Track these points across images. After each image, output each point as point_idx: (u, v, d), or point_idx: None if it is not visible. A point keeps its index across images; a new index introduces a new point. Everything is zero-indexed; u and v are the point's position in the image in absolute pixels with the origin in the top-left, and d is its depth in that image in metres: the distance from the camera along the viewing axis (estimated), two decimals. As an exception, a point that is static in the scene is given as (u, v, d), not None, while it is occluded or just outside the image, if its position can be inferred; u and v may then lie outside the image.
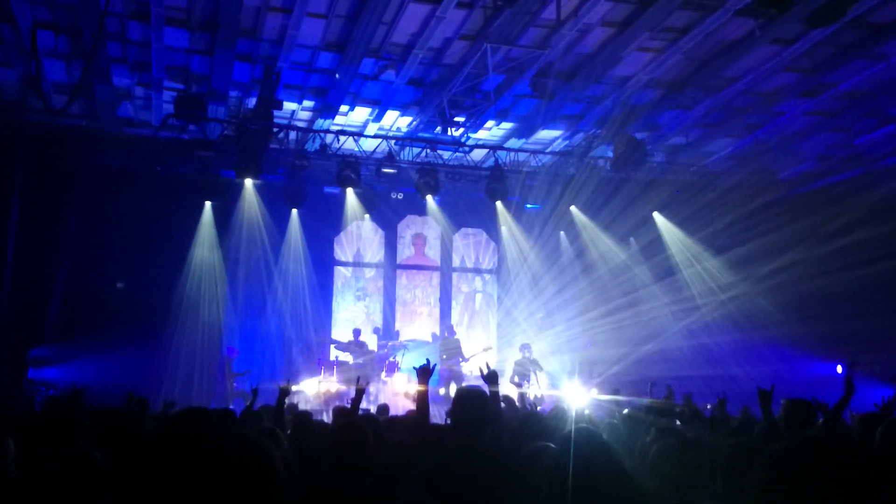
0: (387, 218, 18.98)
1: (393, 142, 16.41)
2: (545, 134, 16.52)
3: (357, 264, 19.23)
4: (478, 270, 20.20)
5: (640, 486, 3.89)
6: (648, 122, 15.50)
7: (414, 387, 14.85)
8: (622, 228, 17.99)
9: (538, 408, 13.88)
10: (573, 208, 18.07)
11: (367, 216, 18.24)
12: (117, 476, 4.06)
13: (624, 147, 15.32)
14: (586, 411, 9.91)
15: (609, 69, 13.29)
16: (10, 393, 13.74)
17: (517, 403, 8.44)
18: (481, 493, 4.03)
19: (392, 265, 19.44)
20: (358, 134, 16.01)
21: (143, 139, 15.59)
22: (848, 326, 15.09)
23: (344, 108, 14.98)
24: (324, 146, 16.02)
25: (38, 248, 15.02)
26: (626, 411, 7.67)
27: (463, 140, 16.15)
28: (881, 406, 6.12)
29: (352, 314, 18.93)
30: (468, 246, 20.09)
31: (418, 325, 19.32)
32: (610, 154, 16.17)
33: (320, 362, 16.45)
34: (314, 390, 15.53)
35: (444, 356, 16.53)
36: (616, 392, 9.44)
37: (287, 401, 10.94)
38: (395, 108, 15.08)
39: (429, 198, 17.34)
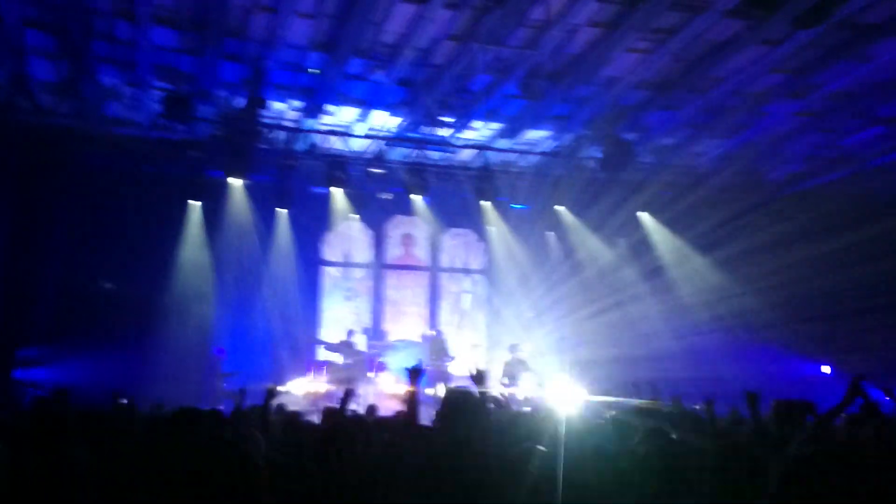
0: (375, 218, 18.96)
1: (381, 142, 16.38)
2: (533, 134, 16.53)
3: (345, 264, 19.20)
4: (466, 271, 20.19)
5: (628, 487, 3.89)
6: (636, 123, 15.52)
7: (403, 387, 14.87)
8: (610, 229, 18.03)
9: (527, 408, 13.92)
10: (561, 208, 18.08)
11: (355, 216, 18.20)
12: (103, 476, 4.04)
13: (612, 148, 15.35)
14: (575, 412, 9.93)
15: (597, 70, 13.29)
16: (-4, 394, 13.68)
17: (505, 404, 8.43)
18: (469, 493, 4.03)
19: (380, 265, 19.41)
20: (346, 134, 15.98)
21: (131, 139, 15.50)
22: (836, 327, 15.18)
23: (332, 107, 14.95)
24: (312, 146, 15.99)
25: (26, 248, 14.94)
26: (614, 412, 7.68)
27: (451, 140, 16.15)
28: (863, 406, 6.13)
29: (340, 314, 18.89)
30: (456, 246, 20.08)
31: (407, 326, 19.29)
32: (598, 155, 16.18)
33: (308, 362, 16.41)
34: (302, 391, 15.49)
35: (432, 356, 16.52)
36: (606, 393, 9.43)
37: (275, 402, 10.90)
38: (383, 107, 15.05)
39: (417, 198, 17.32)
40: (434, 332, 17.98)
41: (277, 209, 17.25)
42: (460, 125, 15.14)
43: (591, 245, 18.21)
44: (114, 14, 11.75)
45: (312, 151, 15.97)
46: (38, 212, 15.15)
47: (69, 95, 13.58)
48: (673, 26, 11.93)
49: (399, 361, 15.63)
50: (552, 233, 19.12)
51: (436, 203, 18.62)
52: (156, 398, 9.03)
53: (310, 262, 18.25)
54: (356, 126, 15.93)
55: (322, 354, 16.95)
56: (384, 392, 15.74)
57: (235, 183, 16.36)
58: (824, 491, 2.74)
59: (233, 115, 14.90)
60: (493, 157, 17.07)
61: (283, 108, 15.10)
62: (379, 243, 19.40)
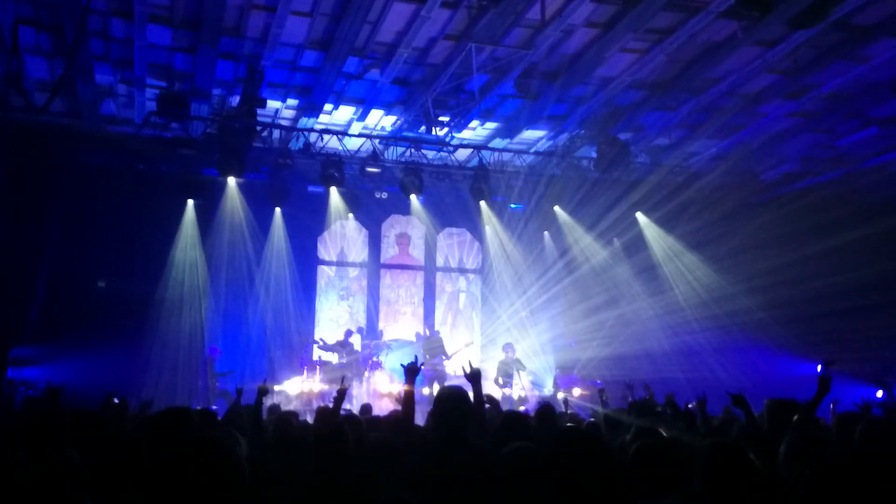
0: (371, 217, 18.95)
1: (377, 141, 16.37)
2: (529, 134, 16.54)
3: (341, 264, 19.19)
4: (462, 270, 20.19)
5: (620, 485, 3.90)
6: (632, 123, 15.56)
7: (397, 386, 14.88)
8: (606, 228, 18.03)
9: (522, 407, 13.94)
10: (557, 208, 18.08)
11: (350, 215, 18.19)
12: (94, 476, 4.04)
13: (608, 147, 15.37)
14: (569, 411, 9.94)
15: (593, 70, 13.31)
16: (-11, 393, 13.64)
17: (500, 404, 8.45)
18: (463, 492, 4.03)
19: (376, 264, 19.39)
20: (342, 133, 15.97)
21: (126, 137, 15.47)
22: (831, 326, 15.19)
23: (328, 106, 14.95)
24: (308, 145, 15.97)
25: (20, 246, 14.90)
26: (606, 411, 7.69)
27: (447, 140, 16.14)
28: (860, 405, 6.16)
29: (335, 313, 18.89)
30: (452, 245, 20.08)
31: (402, 325, 19.29)
32: (594, 154, 16.22)
33: (303, 362, 16.40)
34: (297, 390, 15.48)
35: (428, 356, 16.50)
36: (600, 392, 9.43)
37: (269, 401, 10.90)
38: (379, 107, 15.06)
39: (413, 197, 17.30)
40: (429, 332, 17.97)
41: (273, 208, 17.23)
42: (456, 124, 15.12)
43: (586, 244, 18.21)
44: (109, 12, 11.74)
45: (308, 150, 15.94)
46: (32, 210, 15.11)
47: (64, 94, 13.53)
48: (668, 27, 11.96)
49: (394, 361, 15.62)
50: (547, 232, 19.13)
51: (431, 202, 18.62)
52: (149, 397, 9.02)
53: (305, 261, 18.22)
54: (352, 125, 15.93)
55: (316, 354, 16.93)
56: (379, 391, 15.73)
57: (230, 182, 16.34)
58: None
59: (228, 114, 14.89)
60: (488, 156, 17.07)
61: (279, 107, 15.10)
62: (374, 242, 19.38)
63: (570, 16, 11.47)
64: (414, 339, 18.54)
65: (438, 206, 18.76)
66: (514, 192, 17.97)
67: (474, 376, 5.38)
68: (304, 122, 15.65)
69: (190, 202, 16.56)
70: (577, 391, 15.53)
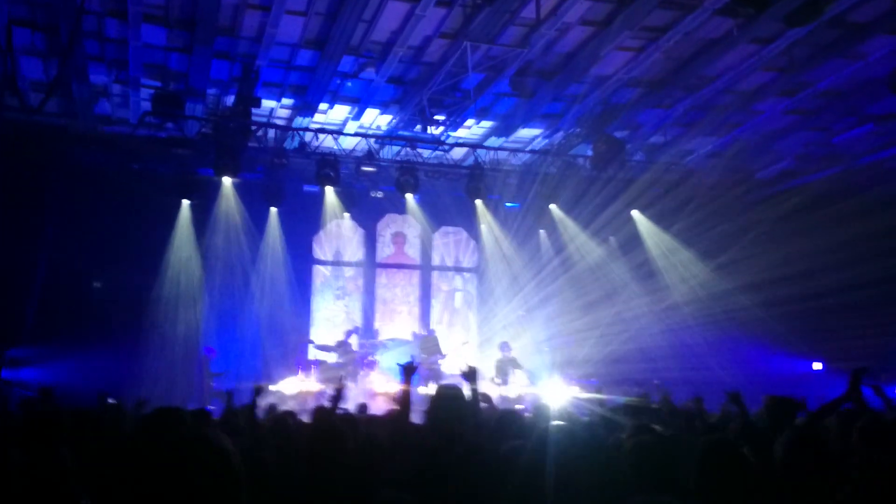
0: (366, 216, 18.94)
1: (372, 140, 16.36)
2: (525, 132, 16.55)
3: (336, 263, 19.17)
4: (458, 269, 20.19)
5: (616, 483, 3.89)
6: (628, 121, 15.56)
7: (393, 386, 14.87)
8: (602, 227, 18.02)
9: (518, 406, 13.93)
10: (553, 207, 18.06)
11: (346, 215, 18.16)
12: (87, 476, 4.02)
13: (603, 146, 15.37)
14: (566, 409, 9.93)
15: (588, 68, 13.32)
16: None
17: (495, 402, 8.44)
18: (459, 490, 4.02)
19: (372, 264, 19.38)
20: (337, 132, 15.95)
21: (121, 137, 15.45)
22: (828, 324, 15.21)
23: (323, 105, 14.95)
24: (303, 144, 15.95)
25: (14, 247, 14.84)
26: (603, 409, 7.69)
27: (443, 138, 16.15)
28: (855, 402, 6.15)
29: (331, 313, 18.87)
30: (448, 244, 20.07)
31: (398, 324, 19.28)
32: (589, 153, 16.22)
33: (299, 362, 16.38)
34: (292, 390, 15.45)
35: (424, 355, 16.50)
36: (597, 390, 9.45)
37: (266, 401, 10.87)
38: (374, 106, 15.05)
39: (408, 196, 17.29)
40: (425, 331, 17.95)
41: (268, 208, 17.20)
42: (452, 123, 15.13)
43: (582, 243, 18.20)
44: (104, 12, 11.71)
45: (303, 149, 15.92)
46: (27, 211, 15.06)
47: (58, 94, 13.51)
48: (664, 24, 11.97)
49: (390, 360, 15.60)
50: (543, 231, 19.12)
51: (427, 201, 18.61)
52: (144, 397, 8.97)
53: (300, 260, 18.18)
54: (348, 124, 15.92)
55: (312, 353, 16.91)
56: (375, 390, 15.72)
57: (225, 181, 16.30)
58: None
59: (223, 114, 14.87)
60: (484, 155, 17.06)
61: (274, 106, 15.08)
62: (370, 242, 19.37)
63: (565, 14, 11.47)
64: (410, 339, 18.52)
65: (434, 204, 18.75)
66: (509, 190, 17.96)
67: (470, 375, 5.38)
68: (300, 121, 15.64)
69: (185, 202, 16.52)
70: (573, 390, 15.51)
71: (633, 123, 15.85)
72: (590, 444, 4.06)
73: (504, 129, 16.07)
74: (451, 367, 16.33)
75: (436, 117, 14.68)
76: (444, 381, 15.00)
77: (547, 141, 16.96)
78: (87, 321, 14.98)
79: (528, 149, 17.33)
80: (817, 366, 17.10)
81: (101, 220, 15.38)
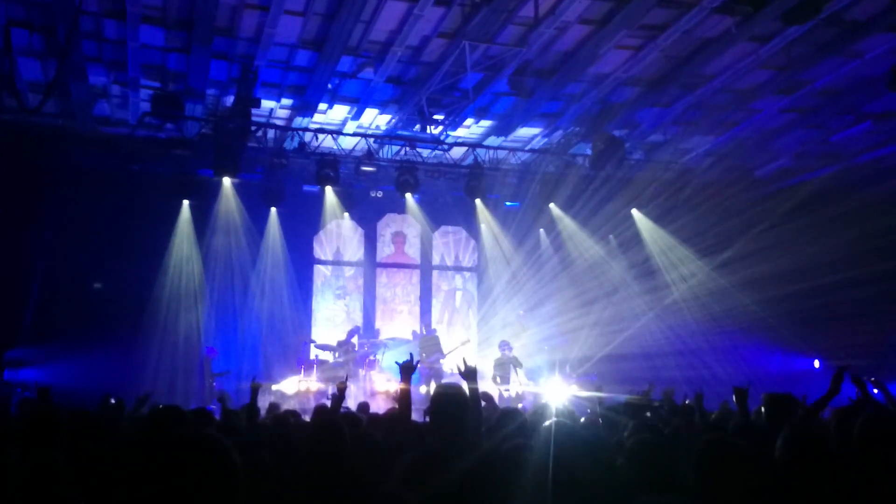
0: (366, 216, 18.95)
1: (372, 140, 16.37)
2: (524, 132, 16.55)
3: (337, 263, 19.18)
4: (458, 268, 20.20)
5: (617, 481, 3.90)
6: (627, 120, 15.56)
7: (394, 385, 14.87)
8: (601, 226, 18.04)
9: (519, 405, 13.95)
10: (552, 206, 18.08)
11: (346, 214, 18.19)
12: (86, 477, 4.04)
13: (602, 144, 15.38)
14: (566, 408, 9.94)
15: (587, 67, 13.32)
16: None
17: (496, 401, 8.45)
18: (460, 489, 4.03)
19: (372, 263, 19.39)
20: (337, 132, 15.96)
21: (120, 138, 15.45)
22: (826, 322, 15.22)
23: (322, 106, 14.95)
24: (302, 144, 15.96)
25: (14, 248, 14.87)
26: (604, 407, 7.70)
27: (442, 138, 16.15)
28: (855, 400, 6.17)
29: (332, 313, 18.88)
30: (448, 244, 20.08)
31: (398, 323, 19.29)
32: (589, 151, 16.23)
33: (300, 361, 16.40)
34: (293, 389, 15.47)
35: (424, 354, 16.50)
36: (598, 389, 9.45)
37: (268, 401, 10.89)
38: (373, 105, 15.06)
39: (408, 196, 17.31)
40: (425, 330, 17.96)
41: (268, 208, 17.21)
42: (451, 123, 15.14)
43: (582, 241, 18.22)
44: (102, 13, 11.72)
45: (303, 150, 15.93)
46: (26, 212, 15.08)
47: (57, 95, 13.50)
48: (662, 23, 11.97)
49: (390, 359, 15.60)
50: (542, 229, 19.13)
51: (427, 201, 18.64)
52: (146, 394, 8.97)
53: (301, 260, 18.19)
54: (347, 124, 15.92)
55: (313, 353, 16.93)
56: (376, 389, 15.73)
57: (225, 182, 16.31)
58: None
59: (222, 114, 14.88)
60: (483, 154, 17.06)
61: (273, 107, 15.08)
62: (370, 241, 19.37)
63: (563, 13, 11.47)
64: (410, 338, 18.53)
65: (434, 204, 18.79)
66: (509, 189, 17.97)
67: (470, 374, 5.38)
68: (299, 121, 15.64)
69: (185, 203, 16.54)
70: (574, 388, 15.52)
71: (632, 122, 15.85)
72: (590, 443, 4.08)
73: (503, 128, 16.07)
74: (451, 367, 16.33)
75: (435, 117, 14.69)
76: (445, 380, 15.04)
77: (546, 140, 16.96)
78: (88, 322, 15.01)
79: (527, 148, 17.34)
80: (816, 363, 17.12)
81: (101, 221, 15.40)
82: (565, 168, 17.24)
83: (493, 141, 16.89)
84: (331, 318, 18.69)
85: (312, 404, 13.32)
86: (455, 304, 20.08)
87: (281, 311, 17.39)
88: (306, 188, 17.34)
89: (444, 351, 16.86)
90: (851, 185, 15.65)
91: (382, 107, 15.18)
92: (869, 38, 12.18)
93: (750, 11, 10.98)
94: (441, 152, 16.94)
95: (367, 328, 18.45)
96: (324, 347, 16.69)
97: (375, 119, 15.81)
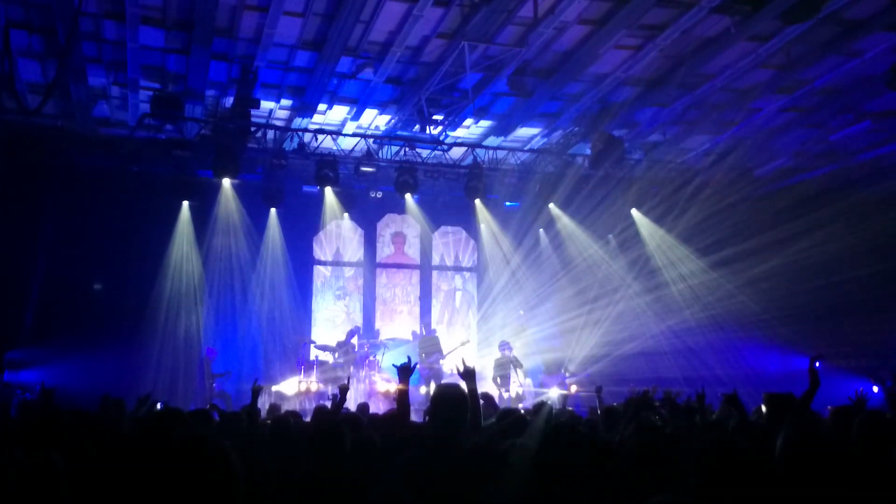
0: (366, 216, 18.96)
1: (371, 140, 16.37)
2: (523, 132, 16.56)
3: (336, 263, 19.18)
4: (457, 268, 20.20)
5: (617, 481, 3.91)
6: (626, 120, 15.56)
7: (394, 385, 14.87)
8: (601, 225, 18.04)
9: (519, 405, 13.95)
10: (552, 206, 18.08)
11: (346, 215, 18.19)
12: (85, 479, 4.04)
13: (602, 144, 15.38)
14: (567, 408, 9.95)
15: (586, 67, 13.32)
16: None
17: (495, 401, 8.45)
18: (459, 489, 4.03)
19: (372, 264, 19.39)
20: (336, 133, 15.96)
21: (119, 139, 15.46)
22: (826, 321, 15.21)
23: (322, 106, 14.95)
24: (302, 145, 15.96)
25: (14, 249, 14.87)
26: (602, 407, 7.71)
27: (441, 138, 16.14)
28: (854, 399, 6.18)
29: (332, 313, 18.88)
30: (447, 244, 20.08)
31: (398, 324, 19.29)
32: (588, 151, 16.23)
33: (300, 362, 16.40)
34: (293, 390, 15.47)
35: (424, 354, 16.51)
36: (598, 389, 9.43)
37: (268, 401, 10.89)
38: (373, 106, 15.06)
39: (408, 196, 17.32)
40: (425, 331, 17.96)
41: (268, 208, 17.21)
42: (450, 123, 15.13)
43: (581, 241, 18.22)
44: (101, 14, 11.72)
45: (302, 150, 15.93)
46: (26, 213, 15.08)
47: (56, 96, 13.51)
48: (661, 22, 11.97)
49: (390, 360, 15.60)
50: (542, 229, 19.13)
51: (426, 201, 18.64)
52: (147, 394, 8.98)
53: (300, 261, 18.20)
54: (346, 125, 15.93)
55: (313, 353, 16.93)
56: (376, 390, 15.74)
57: (225, 183, 16.32)
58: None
59: (222, 115, 14.88)
60: (482, 154, 17.07)
61: (273, 107, 15.09)
62: (370, 242, 19.37)
63: (562, 13, 11.47)
64: (410, 338, 18.52)
65: (433, 204, 18.80)
66: (508, 189, 17.98)
67: (468, 374, 5.39)
68: (298, 122, 15.65)
69: (185, 203, 16.55)
70: (574, 388, 15.54)
71: (632, 122, 15.85)
72: (591, 442, 4.08)
73: (502, 128, 16.07)
74: (451, 367, 16.33)
75: (434, 117, 14.69)
76: (444, 381, 15.04)
77: (545, 140, 16.96)
78: (89, 323, 15.02)
79: (526, 148, 17.34)
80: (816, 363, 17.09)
81: (101, 222, 15.41)
82: (565, 168, 17.24)
83: (492, 141, 16.89)
84: (331, 319, 18.69)
85: (312, 405, 13.33)
86: (455, 305, 20.08)
87: (281, 312, 17.40)
88: (306, 189, 17.34)
89: (444, 351, 16.86)
90: (851, 183, 15.65)
91: (382, 107, 15.19)
92: (868, 36, 12.18)
93: (749, 11, 10.99)
94: (440, 152, 16.94)
95: (367, 329, 18.44)
96: (323, 348, 16.68)
97: (375, 119, 15.81)
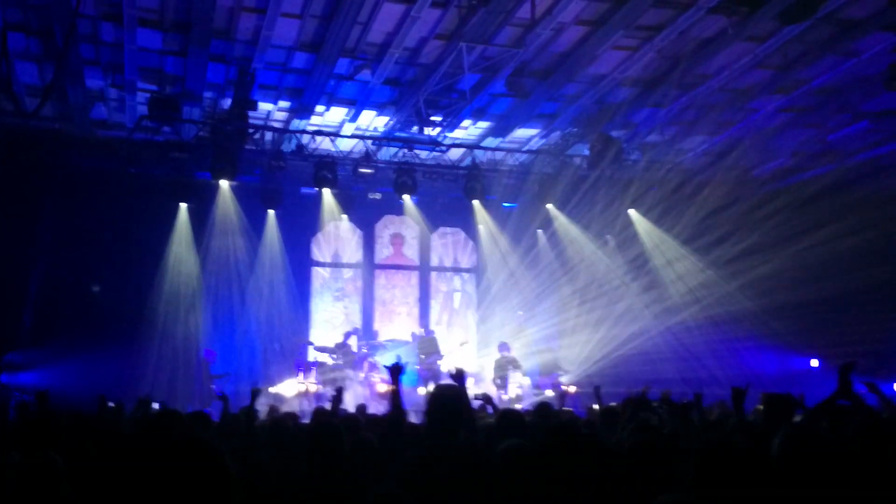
0: (364, 218, 18.94)
1: (370, 142, 16.37)
2: (521, 133, 16.56)
3: (335, 265, 19.17)
4: (456, 269, 20.19)
5: (615, 481, 3.90)
6: (624, 120, 15.57)
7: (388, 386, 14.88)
8: (599, 226, 18.05)
9: (518, 405, 13.95)
10: (550, 206, 18.09)
11: (344, 216, 18.16)
12: (83, 480, 4.04)
13: (600, 145, 15.40)
14: (564, 408, 9.94)
15: (584, 68, 13.34)
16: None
17: (494, 401, 8.43)
18: (456, 490, 4.03)
19: (370, 265, 19.38)
20: (334, 134, 15.96)
21: (117, 141, 15.45)
22: (824, 321, 15.22)
23: (320, 108, 14.95)
24: (300, 147, 15.95)
25: (11, 251, 14.84)
26: (601, 407, 7.71)
27: (440, 139, 16.15)
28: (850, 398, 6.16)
29: (330, 315, 18.87)
30: (446, 245, 20.08)
31: (397, 325, 19.27)
32: (586, 152, 16.23)
33: (298, 364, 16.39)
34: (292, 391, 15.47)
35: (423, 355, 16.52)
36: (596, 389, 9.43)
37: (262, 403, 10.86)
38: (371, 107, 15.06)
39: (406, 197, 17.31)
40: (424, 332, 17.96)
41: (266, 210, 17.21)
42: (448, 124, 15.14)
43: (580, 242, 18.22)
44: (99, 16, 11.72)
45: (300, 152, 15.92)
46: (24, 215, 15.06)
47: (54, 98, 13.50)
48: (658, 23, 11.99)
49: (389, 361, 15.59)
50: (541, 230, 19.14)
51: (425, 202, 18.63)
52: (146, 396, 8.97)
53: (299, 262, 18.18)
54: (344, 126, 15.92)
55: (312, 355, 16.92)
56: (375, 391, 15.73)
57: (223, 184, 16.31)
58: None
59: (220, 117, 14.88)
60: (481, 155, 17.07)
61: (271, 109, 15.08)
62: (368, 243, 19.37)
63: (559, 14, 11.49)
64: (409, 339, 18.52)
65: (432, 205, 18.80)
66: (507, 190, 17.98)
67: (458, 375, 5.39)
68: (296, 123, 15.65)
69: (183, 205, 16.53)
70: (572, 388, 15.54)
71: (629, 122, 15.86)
72: (589, 443, 4.08)
73: (500, 129, 16.08)
74: (449, 368, 16.31)
75: (432, 118, 14.69)
76: (443, 382, 15.02)
77: (543, 141, 16.97)
78: (87, 325, 15.00)
79: (524, 149, 17.35)
80: (814, 363, 17.11)
81: (99, 224, 15.39)
82: (563, 169, 17.25)
83: (490, 142, 16.90)
84: (329, 320, 18.68)
85: (311, 406, 13.32)
86: (454, 306, 20.08)
87: (279, 314, 17.39)
88: (304, 190, 17.33)
89: (443, 352, 16.86)
90: (849, 183, 15.63)
91: (380, 108, 15.19)
92: (866, 36, 12.19)
93: (746, 11, 11.00)
94: (439, 154, 16.94)
95: (366, 330, 18.44)
96: (322, 349, 16.67)
97: (373, 121, 15.82)
